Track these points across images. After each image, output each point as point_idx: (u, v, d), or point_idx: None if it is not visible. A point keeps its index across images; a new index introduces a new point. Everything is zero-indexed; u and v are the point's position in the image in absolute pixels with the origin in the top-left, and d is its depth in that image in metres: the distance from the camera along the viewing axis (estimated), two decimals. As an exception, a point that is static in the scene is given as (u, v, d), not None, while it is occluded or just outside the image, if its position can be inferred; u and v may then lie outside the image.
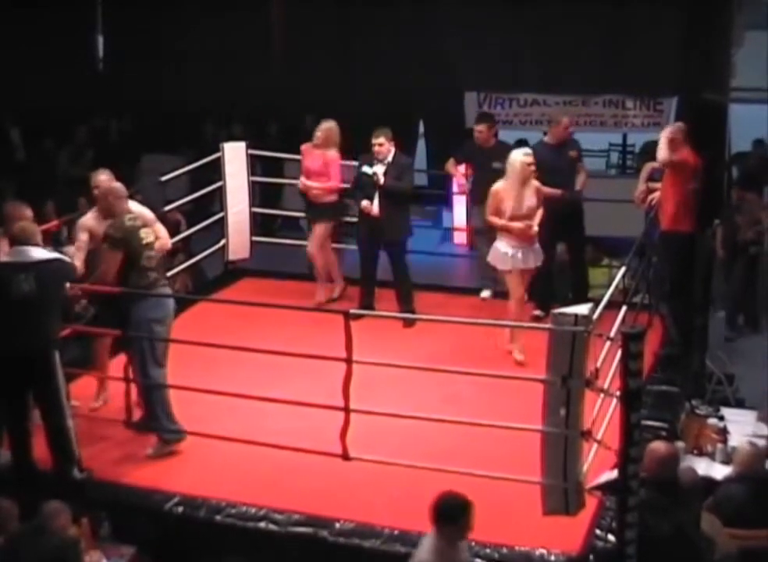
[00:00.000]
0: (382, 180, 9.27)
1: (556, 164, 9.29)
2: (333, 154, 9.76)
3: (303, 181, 9.83)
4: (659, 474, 5.76)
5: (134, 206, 7.62)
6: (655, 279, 8.92)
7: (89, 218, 7.71)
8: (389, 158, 9.35)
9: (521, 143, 13.43)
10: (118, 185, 7.55)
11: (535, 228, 8.43)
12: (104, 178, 7.77)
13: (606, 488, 6.12)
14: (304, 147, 9.90)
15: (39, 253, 6.69)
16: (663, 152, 8.67)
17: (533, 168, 8.41)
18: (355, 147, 10.10)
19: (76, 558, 5.88)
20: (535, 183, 8.47)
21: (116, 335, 7.48)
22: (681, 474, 5.96)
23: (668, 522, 5.65)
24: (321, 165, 9.73)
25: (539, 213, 8.49)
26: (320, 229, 9.92)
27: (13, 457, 6.76)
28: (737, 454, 6.82)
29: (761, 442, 7.05)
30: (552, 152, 9.48)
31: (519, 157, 8.44)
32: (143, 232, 7.20)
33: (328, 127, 9.75)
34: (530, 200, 8.43)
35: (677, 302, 8.93)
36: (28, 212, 7.35)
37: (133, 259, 7.10)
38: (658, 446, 5.88)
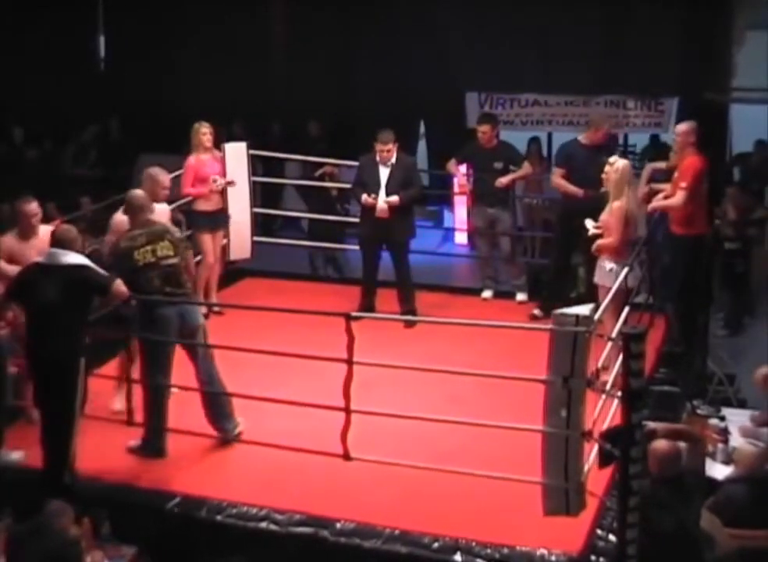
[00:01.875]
0: (395, 200, 9.24)
1: (584, 165, 9.20)
2: (219, 152, 9.78)
3: (214, 187, 9.54)
4: (662, 473, 5.76)
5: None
6: (662, 279, 8.91)
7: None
8: (392, 160, 9.33)
9: (534, 140, 13.51)
10: (137, 194, 7.31)
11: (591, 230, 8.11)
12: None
13: (611, 437, 5.95)
14: (192, 159, 9.55)
15: (70, 258, 6.62)
16: (678, 199, 8.60)
17: (610, 183, 8.03)
18: (356, 147, 10.10)
19: (77, 558, 5.88)
20: (616, 203, 7.94)
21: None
22: (688, 468, 5.95)
23: (671, 518, 5.66)
24: (220, 168, 9.67)
25: (613, 237, 7.93)
26: (221, 236, 9.86)
27: (47, 456, 6.73)
28: (738, 455, 6.82)
29: (759, 443, 7.06)
30: (584, 153, 9.35)
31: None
32: (139, 254, 6.97)
33: (211, 128, 9.62)
34: (605, 214, 8.05)
35: (685, 303, 8.92)
36: (31, 206, 7.44)
37: (129, 282, 6.83)
38: (660, 445, 5.88)
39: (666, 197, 8.76)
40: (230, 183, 9.68)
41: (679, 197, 8.59)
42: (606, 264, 8.02)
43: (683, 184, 8.58)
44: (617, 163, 8.07)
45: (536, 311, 9.35)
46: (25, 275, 6.80)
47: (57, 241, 6.74)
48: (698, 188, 8.67)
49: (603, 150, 9.44)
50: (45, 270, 6.63)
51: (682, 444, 6.14)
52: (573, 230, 9.06)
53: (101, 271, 6.79)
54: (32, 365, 6.71)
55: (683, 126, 9.00)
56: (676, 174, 8.76)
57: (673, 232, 8.82)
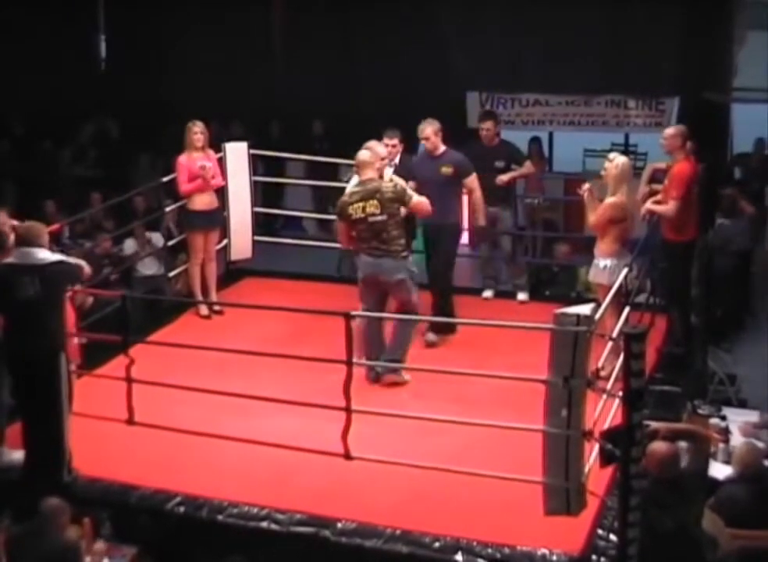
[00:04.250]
0: None
1: (424, 175, 8.98)
2: (212, 152, 9.75)
3: (203, 173, 9.43)
4: (661, 474, 5.76)
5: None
6: (662, 281, 8.89)
7: None
8: (396, 160, 9.31)
9: (535, 140, 13.51)
10: (361, 153, 8.12)
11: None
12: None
13: (612, 437, 5.95)
14: (183, 157, 9.47)
15: (44, 255, 6.63)
16: (670, 208, 8.52)
17: (604, 179, 8.08)
18: (358, 146, 10.08)
19: (76, 559, 5.88)
20: (611, 199, 7.99)
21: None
22: (689, 469, 5.95)
23: (671, 518, 5.65)
24: (214, 166, 9.63)
25: (608, 238, 8.05)
26: (218, 235, 9.86)
27: (28, 456, 6.75)
28: (735, 454, 6.84)
29: (760, 443, 7.07)
30: (425, 162, 9.11)
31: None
32: (352, 209, 7.94)
33: (204, 126, 9.57)
34: (600, 207, 8.08)
35: (681, 306, 8.91)
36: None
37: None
38: (658, 446, 5.88)
39: (658, 202, 8.72)
40: (214, 176, 9.61)
41: (671, 207, 8.50)
42: (600, 262, 8.07)
43: (673, 193, 8.51)
44: (617, 159, 8.11)
45: (431, 336, 8.95)
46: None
47: (24, 239, 6.68)
48: (688, 195, 8.59)
49: (442, 158, 9.02)
50: (21, 270, 6.56)
51: (683, 444, 6.15)
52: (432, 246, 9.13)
53: (71, 260, 6.89)
54: (13, 365, 6.68)
55: (670, 130, 8.90)
56: (666, 181, 8.72)
57: (665, 238, 8.77)
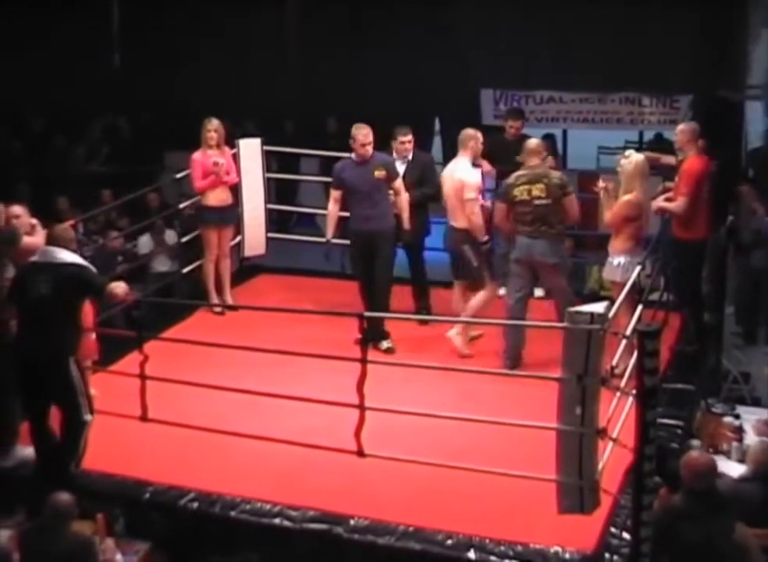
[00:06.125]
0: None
1: (356, 181, 8.75)
2: (228, 149, 9.78)
3: (216, 169, 9.50)
4: (694, 485, 5.69)
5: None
6: (674, 278, 8.86)
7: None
8: (409, 157, 9.29)
9: (548, 137, 13.47)
10: (533, 141, 8.59)
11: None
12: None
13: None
14: (198, 154, 9.55)
15: (64, 256, 6.63)
16: (678, 205, 8.51)
17: (623, 175, 8.08)
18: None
19: (91, 556, 5.90)
20: (626, 197, 8.00)
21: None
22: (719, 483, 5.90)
23: (698, 530, 5.58)
24: (229, 163, 9.66)
25: (622, 236, 8.10)
26: (232, 231, 9.89)
27: (37, 453, 6.80)
28: (749, 452, 6.81)
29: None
30: (354, 168, 8.79)
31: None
32: (517, 191, 8.27)
33: (220, 124, 9.60)
34: (616, 205, 8.09)
35: (693, 304, 8.88)
36: (17, 209, 7.28)
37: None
38: (696, 456, 5.81)
39: (669, 199, 8.68)
40: (228, 173, 9.63)
41: (680, 203, 8.47)
42: (614, 260, 8.06)
43: (682, 190, 8.48)
44: (632, 156, 8.11)
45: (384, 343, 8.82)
46: (20, 274, 6.77)
47: (53, 239, 6.72)
48: (698, 192, 8.55)
49: (371, 163, 8.74)
50: (39, 268, 6.61)
51: (695, 442, 6.13)
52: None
53: (89, 266, 6.79)
54: (21, 363, 6.67)
55: (682, 126, 8.89)
56: (676, 177, 8.69)
57: (675, 236, 8.73)
